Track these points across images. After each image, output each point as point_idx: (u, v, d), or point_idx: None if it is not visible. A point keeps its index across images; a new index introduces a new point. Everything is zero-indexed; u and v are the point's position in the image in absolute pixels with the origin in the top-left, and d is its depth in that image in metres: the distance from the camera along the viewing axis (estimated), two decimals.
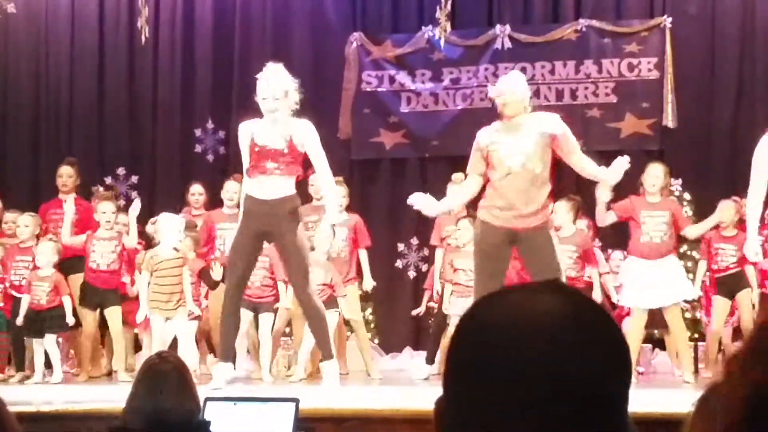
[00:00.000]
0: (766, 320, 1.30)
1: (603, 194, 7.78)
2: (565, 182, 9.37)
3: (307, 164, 7.65)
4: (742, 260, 8.69)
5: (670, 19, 10.97)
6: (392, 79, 11.59)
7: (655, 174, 8.44)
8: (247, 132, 7.46)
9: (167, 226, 8.71)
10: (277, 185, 7.30)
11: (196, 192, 10.24)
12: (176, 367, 3.59)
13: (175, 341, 8.47)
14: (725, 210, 8.82)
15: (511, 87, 7.15)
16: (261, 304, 8.85)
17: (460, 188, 7.47)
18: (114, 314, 9.01)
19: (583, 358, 1.19)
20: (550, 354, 1.18)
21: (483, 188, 7.27)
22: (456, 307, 8.69)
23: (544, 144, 7.05)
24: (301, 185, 9.60)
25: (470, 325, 1.26)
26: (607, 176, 7.33)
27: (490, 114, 10.86)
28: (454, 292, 8.89)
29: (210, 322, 9.22)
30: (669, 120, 10.84)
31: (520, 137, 7.01)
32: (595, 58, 11.14)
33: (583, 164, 7.36)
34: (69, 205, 9.31)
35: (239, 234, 7.45)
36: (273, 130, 7.33)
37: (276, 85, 7.35)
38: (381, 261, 10.72)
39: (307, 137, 7.37)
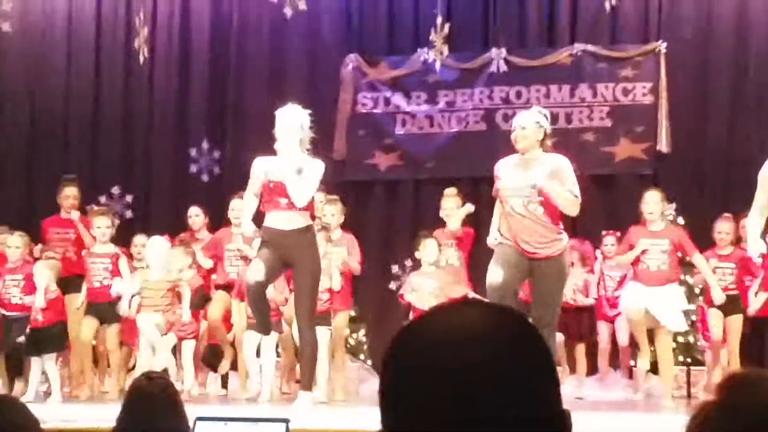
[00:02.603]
0: (733, 374, 1.32)
1: None
2: None
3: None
4: (740, 281, 8.71)
5: (664, 44, 11.01)
6: (387, 101, 11.61)
7: (652, 201, 8.49)
8: (261, 168, 7.56)
9: (155, 249, 8.73)
10: (292, 218, 7.40)
11: (193, 214, 10.20)
12: (164, 388, 3.59)
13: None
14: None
15: (521, 123, 7.22)
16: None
17: (493, 218, 7.55)
18: (112, 330, 9.05)
19: (508, 375, 1.20)
20: (477, 374, 1.19)
21: None
22: None
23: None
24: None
25: (395, 350, 1.28)
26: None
27: (485, 137, 11.02)
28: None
29: (205, 341, 9.26)
30: (663, 144, 10.87)
31: (527, 177, 7.07)
32: (590, 83, 11.17)
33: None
34: (74, 216, 9.53)
35: (260, 253, 7.53)
36: (286, 167, 7.43)
37: (292, 122, 7.50)
38: (374, 283, 10.73)
39: (313, 172, 7.51)
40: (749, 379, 1.34)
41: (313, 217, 7.72)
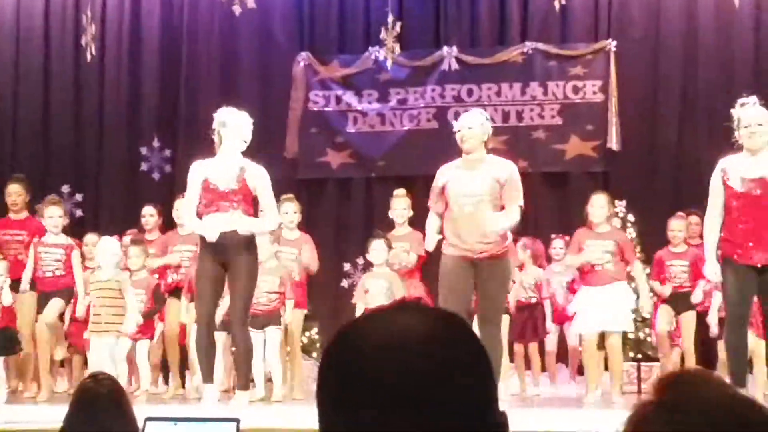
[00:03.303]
0: (671, 372, 1.33)
1: None
2: None
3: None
4: (695, 277, 8.79)
5: (614, 43, 11.09)
6: (339, 99, 11.61)
7: (599, 204, 8.54)
8: (200, 171, 7.49)
9: (104, 248, 8.66)
10: (231, 220, 7.35)
11: (147, 213, 10.04)
12: (111, 389, 3.55)
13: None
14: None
15: (467, 123, 7.22)
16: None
17: (428, 225, 7.51)
18: (54, 305, 8.88)
19: (444, 378, 1.19)
20: (412, 378, 1.18)
21: None
22: None
23: (496, 189, 7.09)
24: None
25: (331, 356, 1.26)
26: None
27: (437, 134, 11.03)
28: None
29: (167, 340, 9.19)
30: (613, 142, 10.95)
31: (475, 178, 7.08)
32: (541, 81, 11.23)
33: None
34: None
35: (201, 266, 7.49)
36: (227, 171, 7.40)
37: (236, 124, 7.47)
38: (327, 281, 10.71)
39: (260, 182, 7.46)
40: (688, 378, 1.34)
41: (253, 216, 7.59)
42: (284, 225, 8.96)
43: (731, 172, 6.77)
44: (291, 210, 9.20)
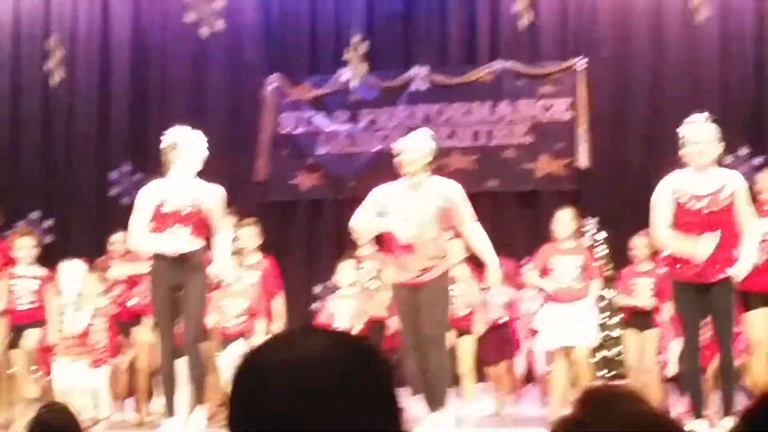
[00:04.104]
0: (590, 389, 1.33)
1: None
2: None
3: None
4: (661, 295, 8.77)
5: (584, 61, 11.12)
6: (309, 121, 11.60)
7: (563, 220, 8.53)
8: (154, 193, 7.35)
9: (71, 273, 8.60)
10: (185, 240, 7.23)
11: (116, 241, 9.87)
12: (66, 420, 3.51)
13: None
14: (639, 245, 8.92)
15: (408, 145, 7.13)
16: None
17: (361, 223, 7.44)
18: (31, 336, 8.80)
19: (345, 404, 1.22)
20: (310, 402, 1.22)
21: None
22: None
23: (440, 213, 7.02)
24: None
25: (238, 375, 1.30)
26: (495, 266, 7.26)
27: None
28: None
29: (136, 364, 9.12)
30: (582, 160, 10.97)
31: (415, 205, 6.97)
32: (511, 100, 11.25)
33: (473, 238, 7.24)
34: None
35: (156, 292, 7.39)
36: (182, 193, 7.27)
37: (194, 145, 7.32)
38: (297, 303, 10.65)
39: (215, 204, 7.34)
40: (605, 394, 1.36)
41: (206, 239, 7.48)
42: (246, 249, 8.90)
43: (680, 188, 6.76)
44: (252, 234, 9.10)
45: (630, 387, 1.53)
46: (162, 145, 7.37)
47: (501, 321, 9.18)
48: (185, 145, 7.29)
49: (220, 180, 7.55)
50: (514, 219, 11.03)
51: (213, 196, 7.34)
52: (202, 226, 7.34)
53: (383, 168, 11.25)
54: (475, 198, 11.22)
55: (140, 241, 7.40)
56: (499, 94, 11.27)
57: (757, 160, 10.55)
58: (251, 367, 1.29)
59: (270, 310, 9.20)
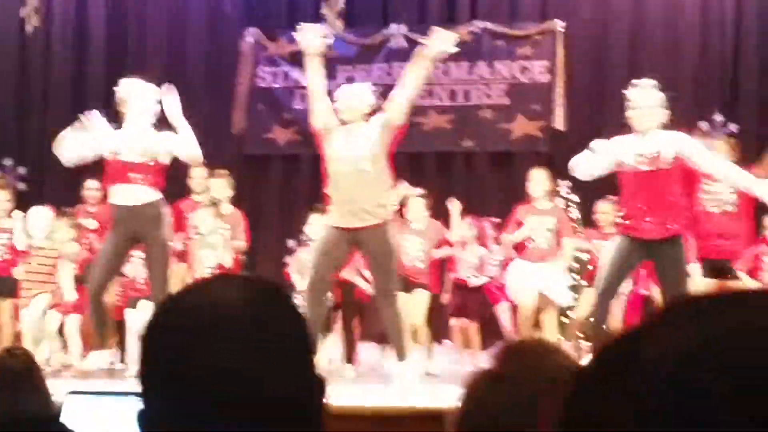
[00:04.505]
0: (509, 343, 1.34)
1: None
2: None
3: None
4: None
5: (562, 23, 11.11)
6: (286, 76, 11.55)
7: (537, 180, 8.58)
8: (104, 142, 7.36)
9: (34, 218, 8.61)
10: (140, 192, 7.23)
11: (93, 187, 9.86)
12: (28, 365, 3.52)
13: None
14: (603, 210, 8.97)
15: (345, 94, 7.25)
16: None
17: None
18: (5, 306, 8.82)
19: (256, 347, 1.21)
20: (226, 349, 1.20)
21: None
22: None
23: (381, 141, 7.03)
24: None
25: (153, 319, 1.28)
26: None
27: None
28: None
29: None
30: (558, 123, 10.98)
31: (352, 139, 7.02)
32: (489, 60, 11.24)
33: None
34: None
35: (108, 239, 7.40)
36: (135, 142, 7.26)
37: (148, 96, 7.32)
38: (271, 257, 10.68)
39: (167, 138, 7.31)
40: (524, 348, 1.36)
41: (163, 191, 7.45)
42: (219, 200, 8.90)
43: (626, 150, 6.92)
44: (224, 185, 9.10)
45: (549, 341, 1.53)
46: (115, 98, 7.32)
47: (470, 281, 9.16)
48: (135, 98, 7.26)
49: (197, 131, 7.52)
50: (489, 179, 11.05)
51: (164, 137, 7.30)
52: (157, 178, 7.31)
53: None
54: (450, 157, 11.35)
55: (63, 146, 7.59)
56: (478, 54, 11.25)
57: (733, 126, 10.60)
58: (166, 309, 1.28)
59: (238, 261, 9.22)
